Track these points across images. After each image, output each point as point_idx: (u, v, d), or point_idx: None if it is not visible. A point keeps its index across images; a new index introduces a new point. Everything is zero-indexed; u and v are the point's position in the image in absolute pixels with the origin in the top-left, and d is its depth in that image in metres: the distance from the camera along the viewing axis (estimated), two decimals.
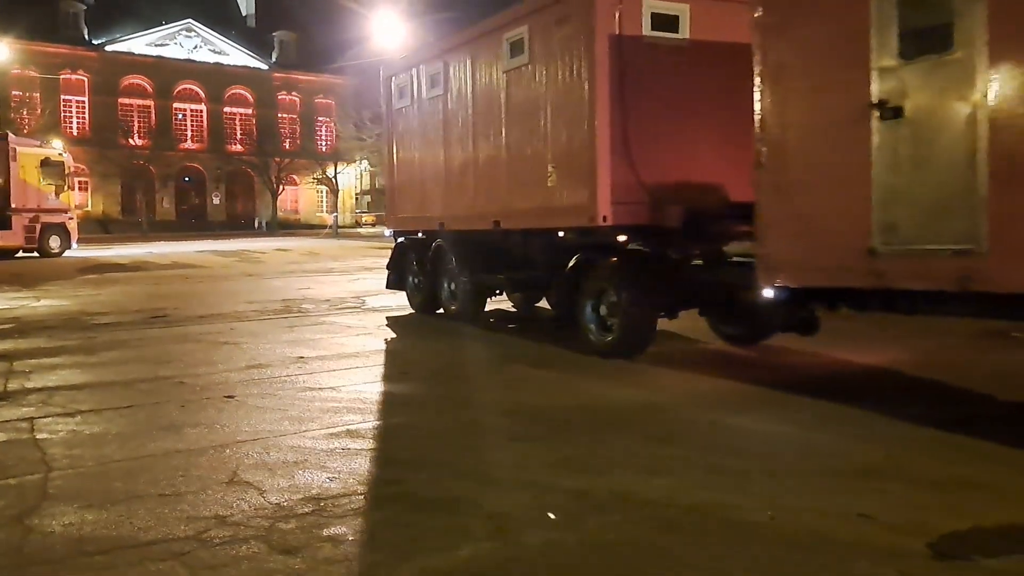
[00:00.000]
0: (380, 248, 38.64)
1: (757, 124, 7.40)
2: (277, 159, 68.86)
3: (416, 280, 14.03)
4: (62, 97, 66.67)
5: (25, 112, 57.86)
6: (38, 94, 61.96)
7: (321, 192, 76.94)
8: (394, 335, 11.93)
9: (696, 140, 9.49)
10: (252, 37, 76.70)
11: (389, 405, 7.37)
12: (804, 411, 6.85)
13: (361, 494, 4.95)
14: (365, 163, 68.26)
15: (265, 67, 76.44)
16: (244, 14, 79.92)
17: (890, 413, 6.57)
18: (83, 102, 68.63)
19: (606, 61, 9.08)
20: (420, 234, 14.03)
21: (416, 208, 14.10)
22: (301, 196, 78.06)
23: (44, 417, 6.97)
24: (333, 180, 68.18)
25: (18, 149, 33.31)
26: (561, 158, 9.85)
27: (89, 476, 5.41)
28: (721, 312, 9.90)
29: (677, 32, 9.46)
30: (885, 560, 3.91)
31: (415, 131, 14.03)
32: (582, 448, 5.87)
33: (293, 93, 78.08)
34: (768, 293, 7.42)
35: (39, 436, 6.39)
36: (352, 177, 77.46)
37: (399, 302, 15.47)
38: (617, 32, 9.12)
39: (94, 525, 4.50)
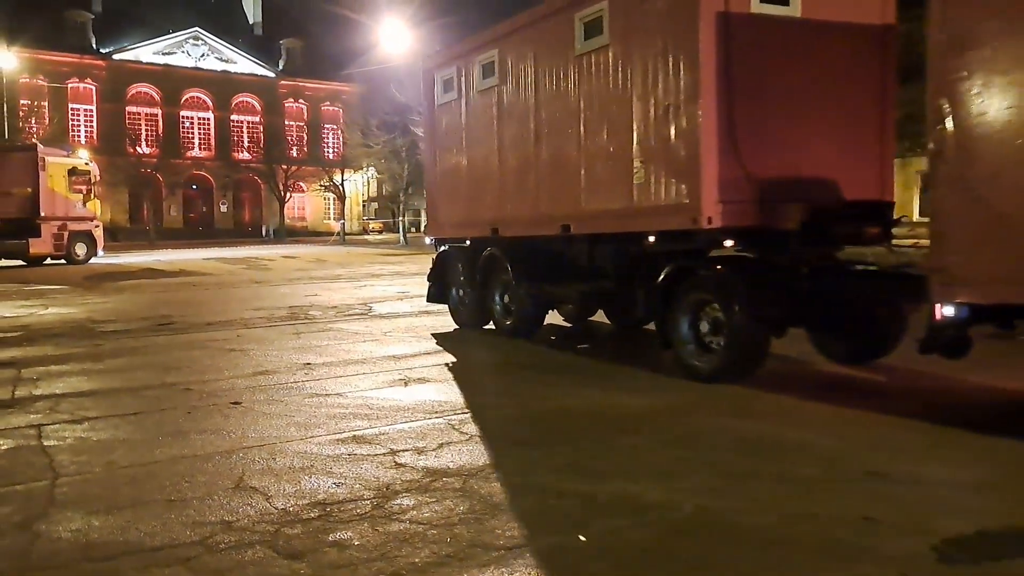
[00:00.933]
0: (387, 255, 38.82)
1: (930, 105, 6.11)
2: (284, 166, 68.93)
3: (461, 292, 12.82)
4: (70, 106, 66.88)
5: (34, 121, 58.01)
6: (46, 103, 62.12)
7: (328, 199, 76.96)
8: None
9: (807, 130, 8.47)
10: (259, 45, 76.89)
11: (395, 411, 7.37)
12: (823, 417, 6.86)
13: (367, 500, 4.96)
14: (372, 170, 68.27)
15: (272, 75, 76.61)
16: (251, 22, 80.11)
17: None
18: (91, 110, 68.86)
19: (712, 38, 7.95)
20: (467, 242, 12.85)
21: (463, 213, 12.90)
22: (308, 203, 78.16)
23: (51, 424, 7.00)
24: (340, 187, 68.24)
25: (47, 159, 33.83)
26: (652, 152, 8.69)
27: (96, 482, 5.43)
28: (835, 328, 8.75)
29: (788, 6, 8.35)
30: (890, 563, 3.91)
31: (462, 128, 12.75)
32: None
33: (300, 101, 78.23)
34: (947, 311, 6.18)
35: (46, 443, 6.41)
36: (359, 184, 77.54)
37: (405, 308, 15.53)
38: (723, 6, 7.99)
39: (101, 531, 4.52)
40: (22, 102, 57.07)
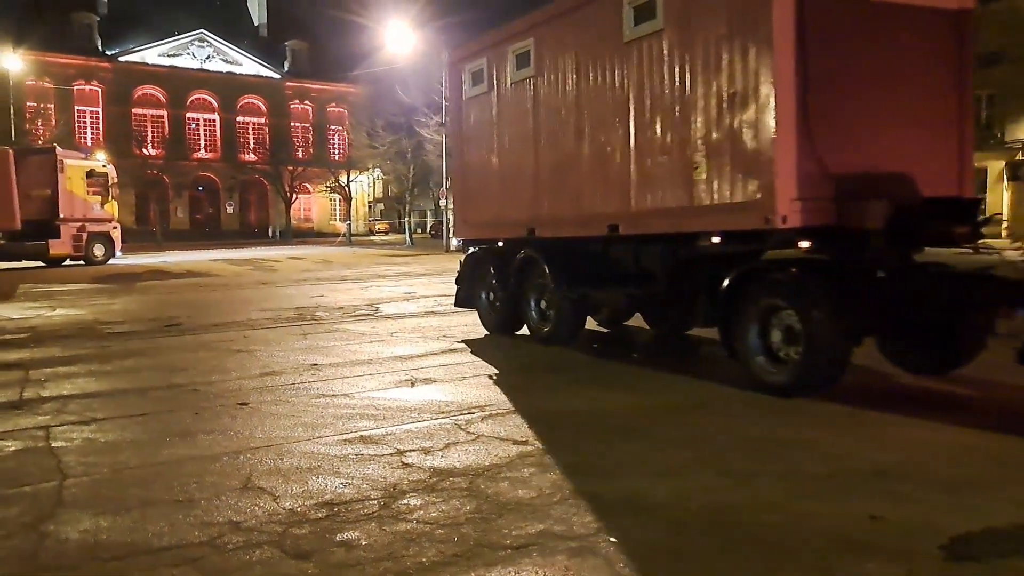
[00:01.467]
0: (393, 256, 38.90)
1: None
2: (290, 168, 69.10)
3: (492, 296, 12.12)
4: (76, 107, 67.16)
5: (40, 123, 58.21)
6: (52, 105, 62.38)
7: (334, 200, 77.13)
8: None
9: (884, 120, 7.85)
10: (264, 47, 77.07)
11: (401, 411, 7.37)
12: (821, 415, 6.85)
13: (374, 500, 4.96)
14: (378, 171, 68.40)
15: (278, 76, 76.78)
16: (256, 24, 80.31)
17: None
18: (97, 112, 69.09)
19: (788, 19, 7.27)
20: (500, 243, 12.10)
21: (495, 213, 12.16)
22: (314, 204, 78.35)
23: (59, 425, 7.01)
24: (346, 188, 68.38)
25: (66, 162, 34.46)
26: (716, 145, 8.00)
27: (103, 483, 5.45)
28: (913, 336, 8.11)
29: None
30: (896, 561, 3.91)
31: (494, 123, 11.99)
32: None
33: (306, 102, 78.39)
34: None
35: (54, 444, 6.43)
36: (365, 185, 77.66)
37: (411, 309, 15.53)
38: None
39: (108, 531, 4.53)
40: (28, 104, 57.28)
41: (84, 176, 34.91)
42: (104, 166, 36.54)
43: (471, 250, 12.97)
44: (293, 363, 9.89)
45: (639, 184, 9.09)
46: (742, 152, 7.72)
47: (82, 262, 34.24)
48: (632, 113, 9.12)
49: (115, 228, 36.41)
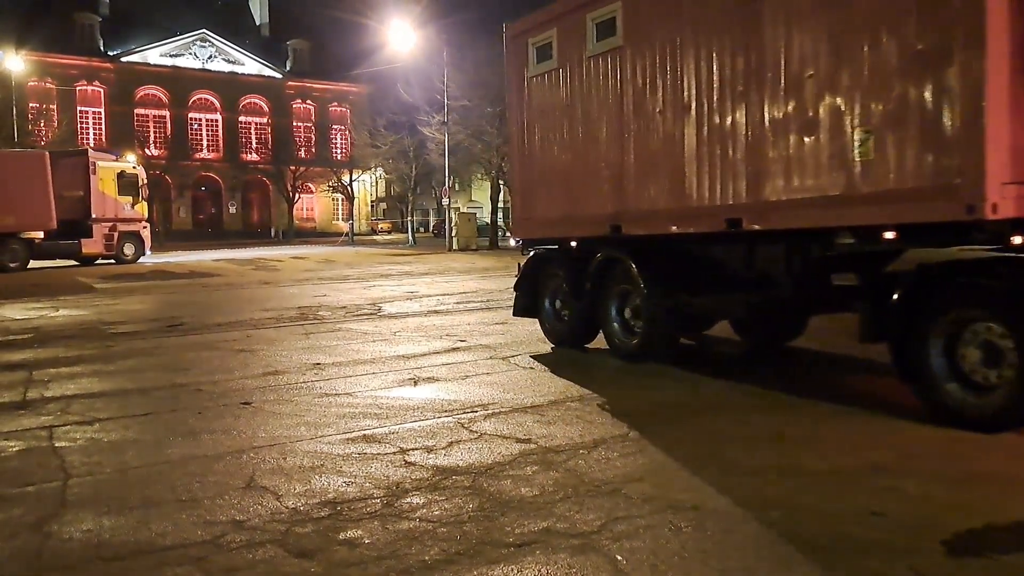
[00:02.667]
0: (395, 255, 38.91)
1: None
2: (292, 167, 69.16)
3: (559, 304, 10.80)
4: (79, 108, 67.23)
5: (43, 123, 58.26)
6: (55, 105, 62.39)
7: (337, 200, 77.22)
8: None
9: None
10: (266, 46, 77.13)
11: (404, 410, 7.38)
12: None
13: (377, 498, 4.97)
14: (380, 170, 68.44)
15: (279, 76, 76.84)
16: (258, 23, 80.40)
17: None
18: (99, 113, 69.20)
19: None
20: (573, 243, 10.51)
21: (567, 207, 10.54)
22: (317, 204, 78.39)
23: (63, 425, 7.02)
24: (348, 188, 68.43)
25: (98, 163, 35.83)
26: (889, 117, 6.45)
27: (107, 483, 5.46)
28: None
29: None
30: (898, 557, 3.91)
31: (567, 102, 10.37)
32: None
33: (308, 101, 78.45)
34: None
35: (58, 444, 6.44)
36: (367, 184, 77.71)
37: (414, 308, 15.54)
38: None
39: (112, 531, 4.54)
40: (31, 105, 57.33)
41: (115, 177, 36.12)
42: (134, 167, 37.97)
43: (532, 252, 11.55)
44: (296, 362, 9.89)
45: (772, 169, 7.56)
46: (930, 124, 6.21)
47: (113, 261, 35.49)
48: (768, 81, 7.53)
49: (145, 228, 37.76)
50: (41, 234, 33.22)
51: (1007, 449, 5.72)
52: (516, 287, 11.48)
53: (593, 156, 9.96)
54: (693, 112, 8.39)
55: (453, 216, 45.43)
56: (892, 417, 6.54)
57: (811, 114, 7.12)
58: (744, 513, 4.55)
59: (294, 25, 77.68)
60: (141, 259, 36.65)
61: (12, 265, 32.29)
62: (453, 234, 43.87)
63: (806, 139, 7.20)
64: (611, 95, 9.57)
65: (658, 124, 8.91)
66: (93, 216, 34.97)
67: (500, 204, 49.35)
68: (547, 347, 10.57)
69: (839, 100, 6.89)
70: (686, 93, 8.47)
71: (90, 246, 34.85)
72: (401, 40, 43.81)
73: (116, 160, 38.41)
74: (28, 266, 33.03)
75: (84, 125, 67.65)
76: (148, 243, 37.83)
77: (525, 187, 11.54)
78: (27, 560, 4.20)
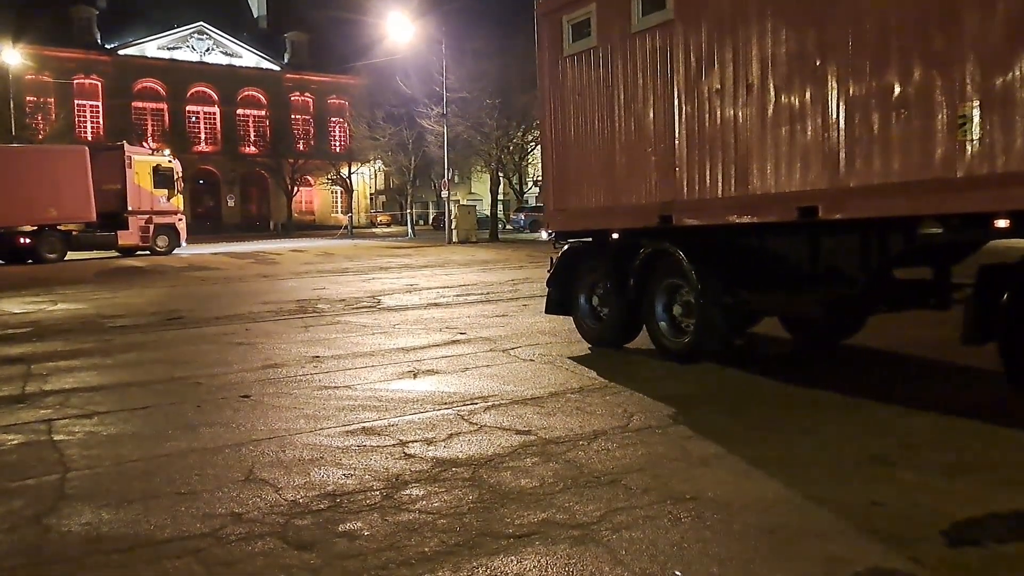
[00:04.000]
0: (395, 248, 38.91)
1: None
2: (291, 160, 69.09)
3: (596, 301, 10.11)
4: (76, 101, 67.03)
5: (40, 117, 58.17)
6: (52, 99, 62.24)
7: (336, 192, 77.17)
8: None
9: None
10: (264, 38, 76.96)
11: (404, 402, 7.38)
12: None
13: (377, 490, 4.97)
14: (379, 163, 68.38)
15: (277, 68, 76.67)
16: (256, 16, 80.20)
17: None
18: (97, 106, 69.03)
19: None
20: (614, 235, 9.81)
21: (608, 197, 9.75)
22: (315, 197, 78.30)
23: (62, 419, 7.02)
24: (347, 180, 68.34)
25: (133, 157, 37.27)
26: (1001, 91, 5.73)
27: (106, 476, 5.45)
28: None
29: None
30: (899, 547, 3.91)
31: (608, 82, 9.55)
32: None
33: (306, 94, 78.28)
34: None
35: (57, 437, 6.44)
36: (366, 177, 77.63)
37: (414, 301, 15.54)
38: None
39: (111, 524, 4.54)
40: (28, 99, 57.23)
41: (151, 171, 37.53)
42: (170, 161, 39.03)
43: (567, 246, 10.71)
44: (295, 355, 9.89)
45: (854, 151, 6.78)
46: None
47: (148, 252, 37.10)
48: (848, 51, 6.78)
49: (180, 220, 39.26)
50: (80, 226, 34.68)
51: (1006, 440, 5.72)
52: (549, 283, 10.78)
53: (638, 142, 9.18)
54: (759, 90, 7.59)
55: (453, 209, 45.41)
56: (892, 407, 6.55)
57: (903, 89, 6.37)
58: (743, 503, 4.55)
59: (292, 17, 77.44)
60: (176, 251, 37.92)
61: (50, 256, 33.61)
62: (453, 227, 43.86)
63: (897, 117, 6.44)
64: (660, 74, 8.78)
65: (716, 105, 8.09)
66: (129, 209, 36.39)
67: (500, 196, 49.33)
68: (547, 340, 10.56)
69: (937, 73, 6.14)
70: (751, 69, 7.66)
71: (126, 238, 36.31)
72: (399, 32, 43.74)
73: (152, 154, 39.69)
74: (66, 257, 34.26)
75: (82, 118, 67.52)
76: (184, 235, 39.18)
77: (559, 176, 10.75)
78: (27, 553, 4.20)
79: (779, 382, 7.62)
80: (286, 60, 77.61)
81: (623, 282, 9.34)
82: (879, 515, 4.32)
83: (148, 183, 37.31)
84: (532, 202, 62.65)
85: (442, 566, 3.89)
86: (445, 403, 7.22)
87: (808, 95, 7.15)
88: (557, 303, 10.65)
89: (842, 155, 6.85)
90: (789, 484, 4.84)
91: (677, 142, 8.60)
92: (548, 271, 10.82)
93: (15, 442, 6.36)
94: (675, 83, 8.58)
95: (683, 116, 8.51)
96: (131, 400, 7.72)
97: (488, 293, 16.48)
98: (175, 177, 38.66)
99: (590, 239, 10.41)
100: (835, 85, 6.89)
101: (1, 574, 3.97)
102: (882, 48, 6.52)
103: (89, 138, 64.43)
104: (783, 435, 5.94)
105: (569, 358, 9.25)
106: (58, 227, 34.00)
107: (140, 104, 70.58)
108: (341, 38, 70.89)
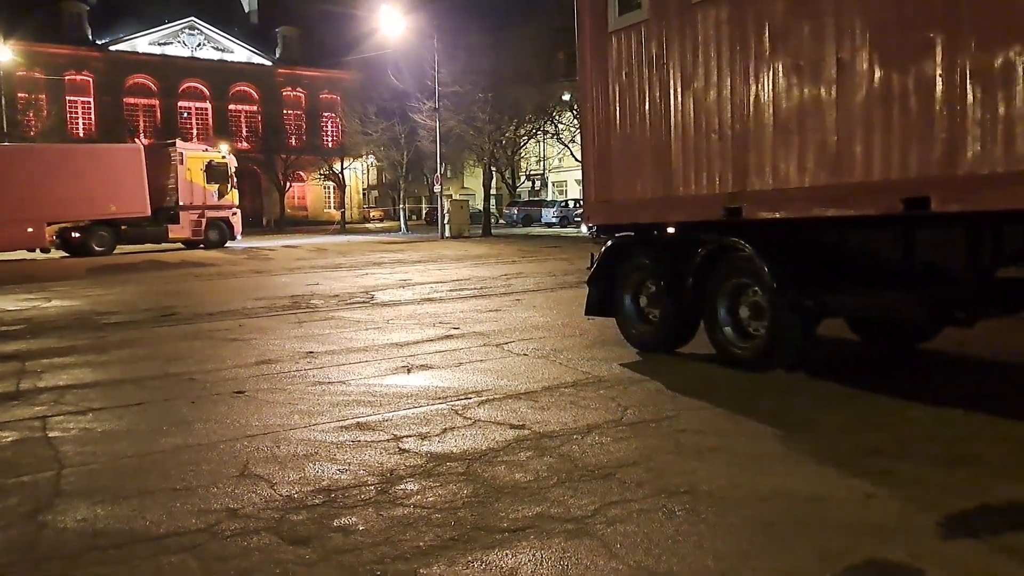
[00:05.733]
0: (388, 243, 38.88)
1: None
2: (283, 156, 68.92)
3: (645, 302, 9.23)
4: (67, 98, 66.73)
5: (31, 113, 57.94)
6: (44, 95, 61.99)
7: (328, 188, 77.01)
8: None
9: None
10: (255, 34, 76.77)
11: (398, 398, 7.38)
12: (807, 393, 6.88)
13: (371, 485, 4.97)
14: (372, 158, 68.29)
15: (269, 63, 76.50)
16: (247, 11, 79.98)
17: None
18: (88, 102, 68.81)
19: None
20: (670, 229, 8.93)
21: (660, 186, 8.75)
22: (308, 192, 78.16)
23: (56, 415, 7.01)
24: (340, 176, 68.21)
25: (185, 153, 38.45)
26: None
27: (101, 472, 5.45)
28: None
29: None
30: (894, 539, 3.93)
31: (661, 61, 8.57)
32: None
33: (298, 89, 78.11)
34: None
35: (51, 434, 6.43)
36: (359, 172, 77.51)
37: (407, 296, 15.53)
38: None
39: (106, 520, 4.54)
40: (20, 95, 57.00)
41: (203, 167, 38.68)
42: (223, 157, 40.05)
43: (612, 241, 9.74)
44: (289, 351, 9.89)
45: (974, 134, 5.79)
46: None
47: (201, 246, 38.34)
48: (967, 19, 5.80)
49: (234, 214, 40.43)
50: (130, 220, 35.88)
51: (1000, 432, 5.75)
52: (589, 281, 9.79)
53: (698, 125, 8.22)
54: (846, 67, 6.67)
55: (445, 203, 45.39)
56: (888, 400, 6.58)
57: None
58: (738, 497, 4.57)
59: (283, 12, 77.19)
60: (229, 244, 39.21)
61: (99, 249, 34.73)
62: (446, 221, 43.85)
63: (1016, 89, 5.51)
64: (725, 50, 7.81)
65: (795, 83, 7.14)
66: (180, 203, 37.67)
67: (492, 191, 49.25)
68: (540, 334, 10.57)
69: None
70: (842, 41, 6.71)
71: (176, 231, 37.69)
72: (391, 26, 43.66)
73: (206, 151, 40.78)
74: (114, 251, 35.31)
75: (73, 115, 67.26)
76: (238, 228, 40.39)
77: (602, 164, 9.71)
78: (22, 550, 4.20)
79: (775, 374, 7.63)
80: (278, 55, 77.44)
81: (678, 281, 8.52)
82: (875, 507, 4.34)
83: (200, 178, 38.36)
84: (524, 196, 62.61)
85: (437, 560, 3.90)
86: (439, 398, 7.23)
87: (910, 71, 6.19)
88: (598, 304, 9.72)
89: (959, 140, 5.87)
90: (784, 477, 4.86)
91: (747, 125, 7.63)
92: (588, 268, 9.93)
93: (10, 439, 6.35)
94: (745, 60, 7.60)
95: (751, 96, 7.57)
96: (125, 396, 7.71)
97: (481, 288, 16.48)
98: (229, 172, 39.59)
99: (639, 233, 9.52)
100: (941, 62, 5.94)
101: None
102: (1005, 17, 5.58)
103: (81, 135, 64.30)
104: (779, 427, 5.95)
105: (563, 352, 9.26)
106: (106, 221, 35.06)
107: (132, 100, 70.39)
108: (333, 33, 70.73)
